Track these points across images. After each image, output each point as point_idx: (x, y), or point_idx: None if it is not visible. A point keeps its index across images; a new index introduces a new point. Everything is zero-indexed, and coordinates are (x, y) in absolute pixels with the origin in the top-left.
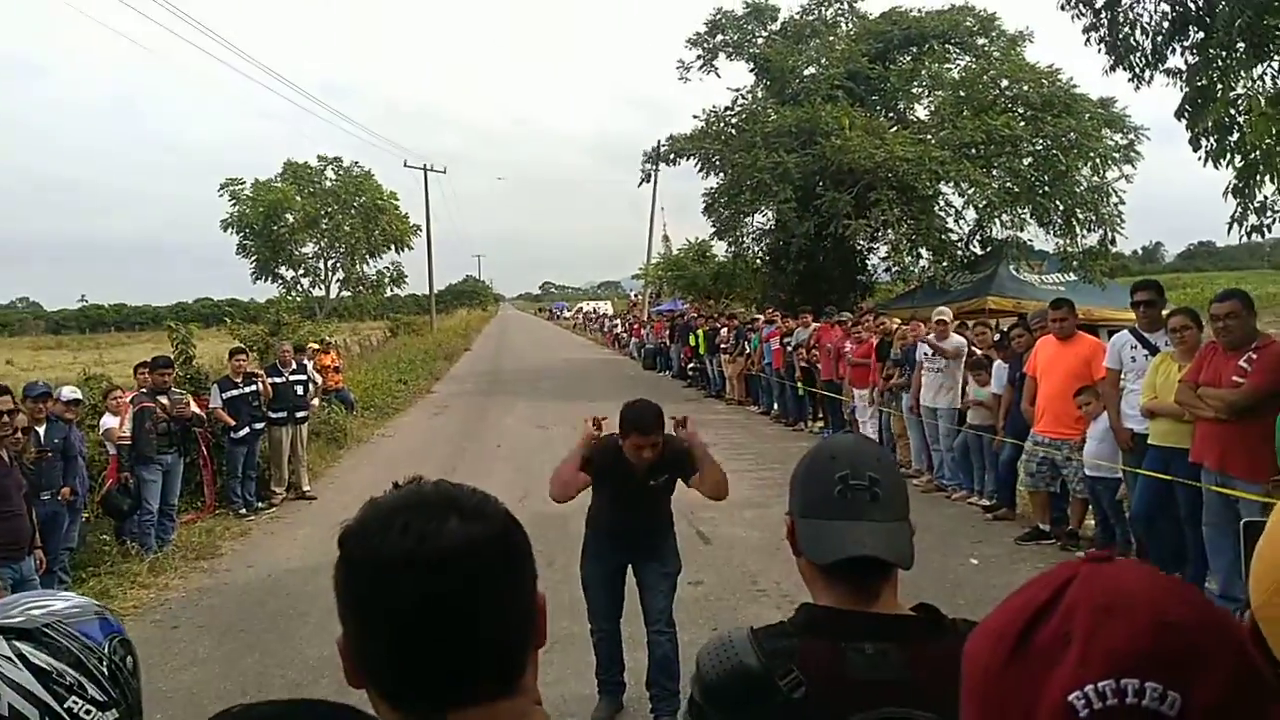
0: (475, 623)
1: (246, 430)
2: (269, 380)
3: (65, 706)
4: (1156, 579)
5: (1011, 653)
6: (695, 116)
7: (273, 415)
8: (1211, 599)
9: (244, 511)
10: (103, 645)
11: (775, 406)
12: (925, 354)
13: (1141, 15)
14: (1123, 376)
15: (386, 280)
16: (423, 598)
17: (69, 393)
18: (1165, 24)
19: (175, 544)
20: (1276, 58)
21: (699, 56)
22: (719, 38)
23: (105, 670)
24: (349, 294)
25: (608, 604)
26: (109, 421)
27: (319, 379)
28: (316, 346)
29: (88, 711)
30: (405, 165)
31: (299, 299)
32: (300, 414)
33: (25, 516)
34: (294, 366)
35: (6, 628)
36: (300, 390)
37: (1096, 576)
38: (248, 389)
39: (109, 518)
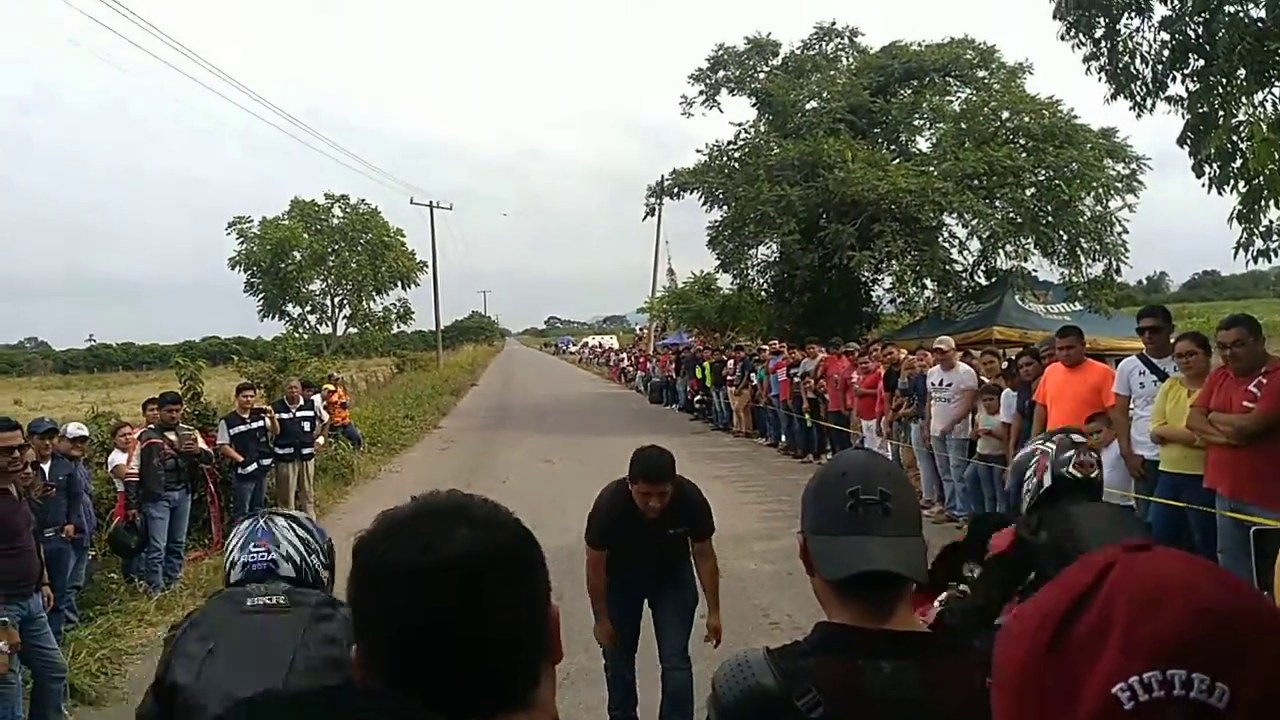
0: (484, 632)
1: (254, 466)
2: (276, 416)
3: (310, 561)
4: (1198, 566)
5: (1050, 643)
6: (698, 151)
7: (279, 451)
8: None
9: None
10: (326, 538)
11: (783, 438)
12: (934, 384)
13: (1141, 44)
14: (1132, 403)
15: (393, 316)
16: (430, 606)
17: (75, 430)
18: (1165, 52)
19: (183, 581)
20: (1277, 83)
21: (702, 92)
22: (721, 73)
23: (326, 550)
24: (355, 330)
25: (622, 638)
26: (117, 458)
27: (325, 416)
28: (331, 387)
29: (319, 569)
30: (411, 203)
31: (306, 336)
32: (306, 450)
33: (34, 553)
34: (301, 402)
35: (280, 512)
36: (307, 426)
37: (1136, 564)
38: (255, 425)
39: (116, 555)
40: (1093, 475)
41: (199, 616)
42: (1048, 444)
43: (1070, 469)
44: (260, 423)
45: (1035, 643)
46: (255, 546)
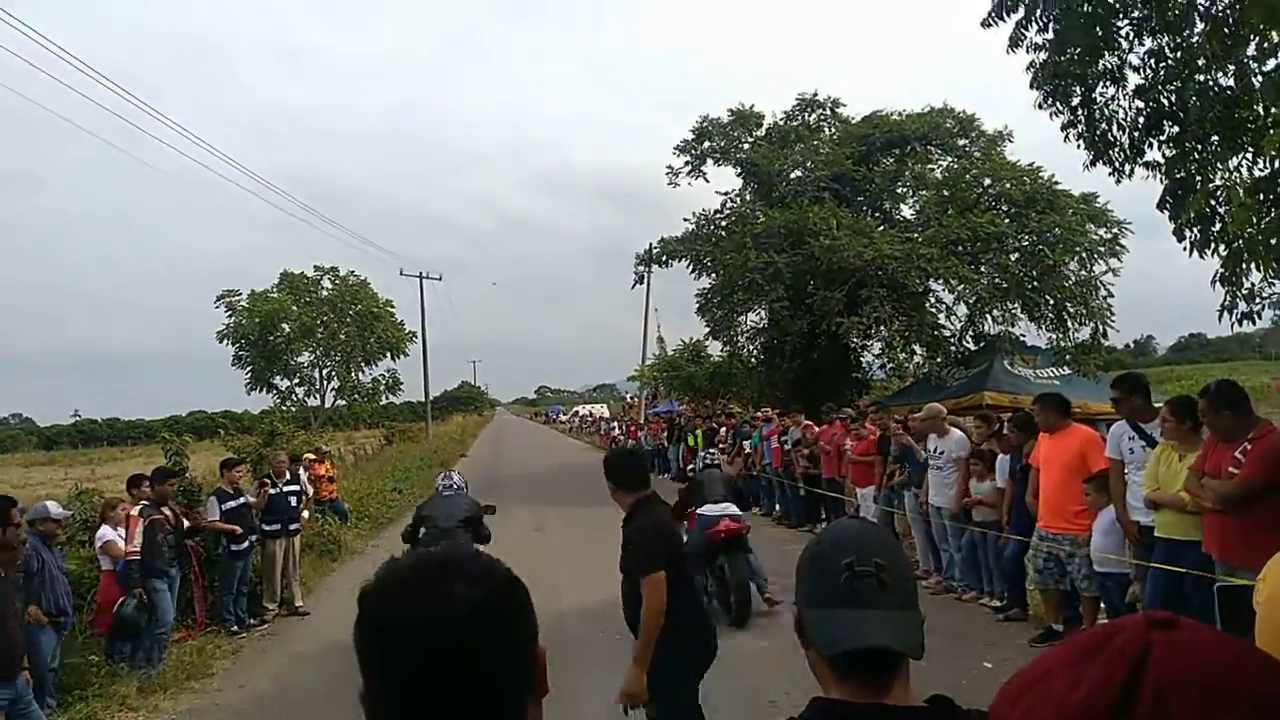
0: (478, 675)
1: (246, 543)
2: (267, 491)
3: (462, 483)
4: (1243, 650)
5: None
6: (685, 220)
7: (266, 527)
8: None
9: (236, 629)
10: (463, 479)
11: (777, 507)
12: (931, 451)
13: (1117, 112)
14: (1125, 467)
15: (382, 388)
16: (429, 657)
17: (57, 510)
18: (1141, 119)
19: (165, 663)
20: (1250, 149)
21: (688, 162)
22: (706, 144)
23: (466, 482)
24: (344, 402)
25: None
26: (107, 534)
27: (310, 490)
28: (312, 456)
29: (465, 485)
30: (401, 273)
31: (294, 409)
32: (293, 526)
33: (19, 634)
34: (288, 477)
35: (453, 469)
36: (294, 501)
37: (1177, 650)
38: (242, 500)
39: (120, 636)
40: (717, 463)
41: (428, 499)
42: (703, 452)
43: (708, 460)
44: (242, 499)
45: None
46: (444, 479)
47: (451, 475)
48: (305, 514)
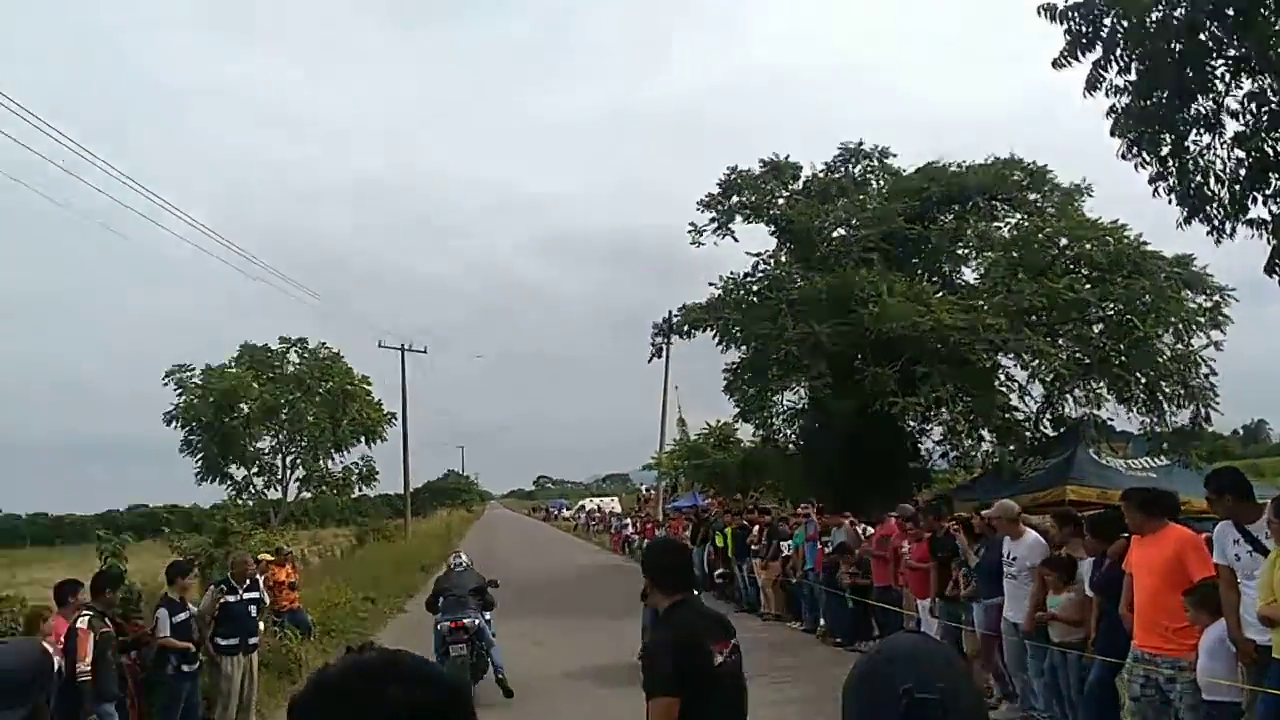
0: None
1: (198, 662)
2: (222, 599)
3: (470, 561)
4: None
5: None
6: (711, 284)
7: (221, 642)
8: None
9: None
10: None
11: (821, 621)
12: (1005, 556)
13: (1214, 162)
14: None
15: (354, 478)
16: None
17: None
18: (1242, 171)
19: None
20: None
21: (714, 219)
22: (735, 199)
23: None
24: (310, 495)
25: None
26: None
27: (267, 598)
28: (269, 557)
29: (471, 563)
30: (380, 345)
31: (251, 502)
32: (252, 640)
33: None
34: (248, 583)
35: (460, 550)
36: (253, 611)
37: None
38: (189, 613)
39: None
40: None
41: (444, 574)
42: None
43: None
44: (188, 612)
45: None
46: (455, 559)
47: (460, 556)
48: (260, 625)
